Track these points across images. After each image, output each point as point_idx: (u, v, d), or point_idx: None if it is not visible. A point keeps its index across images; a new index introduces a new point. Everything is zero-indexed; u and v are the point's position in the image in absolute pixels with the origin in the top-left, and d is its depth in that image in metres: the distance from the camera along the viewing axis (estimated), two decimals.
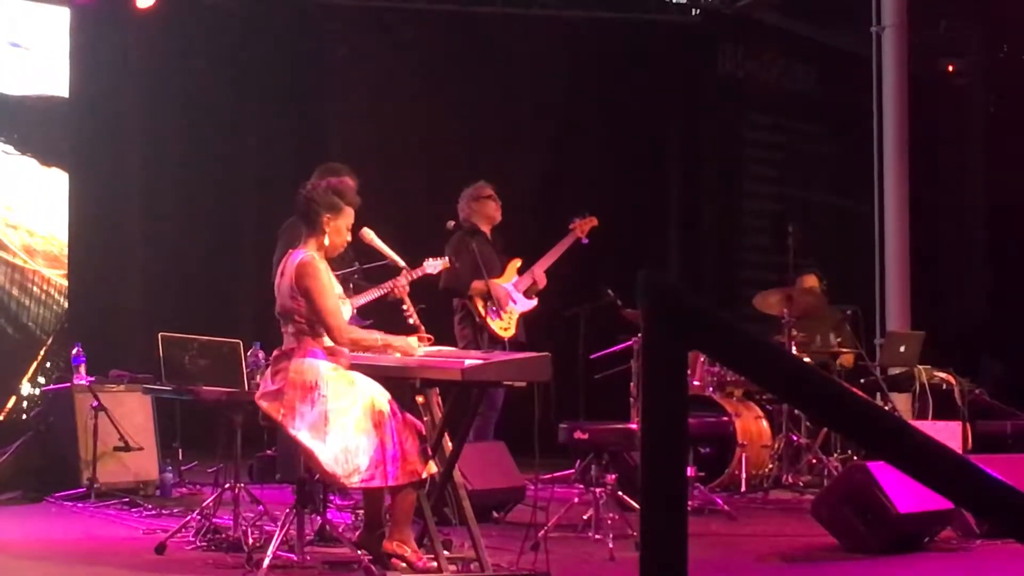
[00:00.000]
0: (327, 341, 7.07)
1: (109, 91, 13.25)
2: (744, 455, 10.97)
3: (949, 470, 2.42)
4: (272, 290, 7.46)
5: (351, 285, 8.55)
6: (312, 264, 7.10)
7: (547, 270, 10.84)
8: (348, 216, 7.30)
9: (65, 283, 12.27)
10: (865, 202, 14.68)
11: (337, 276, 7.48)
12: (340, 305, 7.19)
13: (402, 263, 8.32)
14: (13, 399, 11.49)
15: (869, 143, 14.43)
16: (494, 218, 10.77)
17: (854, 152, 15.61)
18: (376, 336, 7.35)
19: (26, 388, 11.38)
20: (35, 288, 11.80)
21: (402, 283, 8.85)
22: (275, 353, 7.24)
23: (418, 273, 9.24)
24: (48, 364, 10.88)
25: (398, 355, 7.30)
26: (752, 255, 16.64)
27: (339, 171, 8.97)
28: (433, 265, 9.53)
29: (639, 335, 2.31)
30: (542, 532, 7.57)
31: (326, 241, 7.22)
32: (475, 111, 14.89)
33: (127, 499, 9.62)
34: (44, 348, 11.78)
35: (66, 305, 12.21)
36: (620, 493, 8.88)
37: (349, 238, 7.43)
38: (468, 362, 7.11)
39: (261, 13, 14.30)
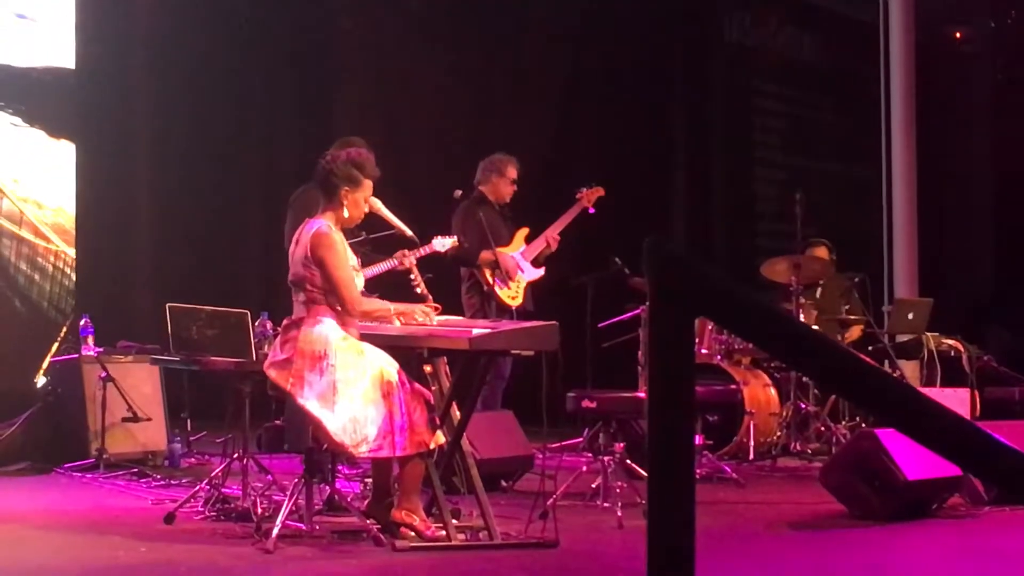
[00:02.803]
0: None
1: (115, 62, 13.22)
2: (752, 423, 10.97)
3: (958, 436, 2.42)
4: (280, 259, 7.46)
5: (359, 257, 8.56)
6: (328, 235, 7.12)
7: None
8: (367, 189, 7.33)
9: (73, 255, 12.24)
10: (872, 169, 14.67)
11: (350, 246, 7.49)
12: (354, 276, 7.21)
13: (409, 232, 8.32)
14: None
15: (876, 110, 14.40)
16: (503, 199, 10.74)
17: (861, 119, 15.59)
18: (388, 306, 7.37)
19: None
20: (42, 261, 11.78)
21: (410, 259, 8.85)
22: (284, 322, 7.26)
23: (426, 250, 9.25)
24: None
25: (416, 319, 7.32)
26: (760, 223, 16.64)
27: (356, 145, 9.00)
28: (442, 243, 9.53)
29: (646, 304, 2.31)
30: (551, 501, 7.56)
31: (345, 213, 7.25)
32: (481, 81, 14.85)
33: (136, 469, 9.64)
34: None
35: (75, 278, 12.19)
36: (628, 461, 8.88)
37: (366, 210, 7.47)
38: (475, 331, 7.12)
39: None
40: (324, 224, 7.17)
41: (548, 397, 7.25)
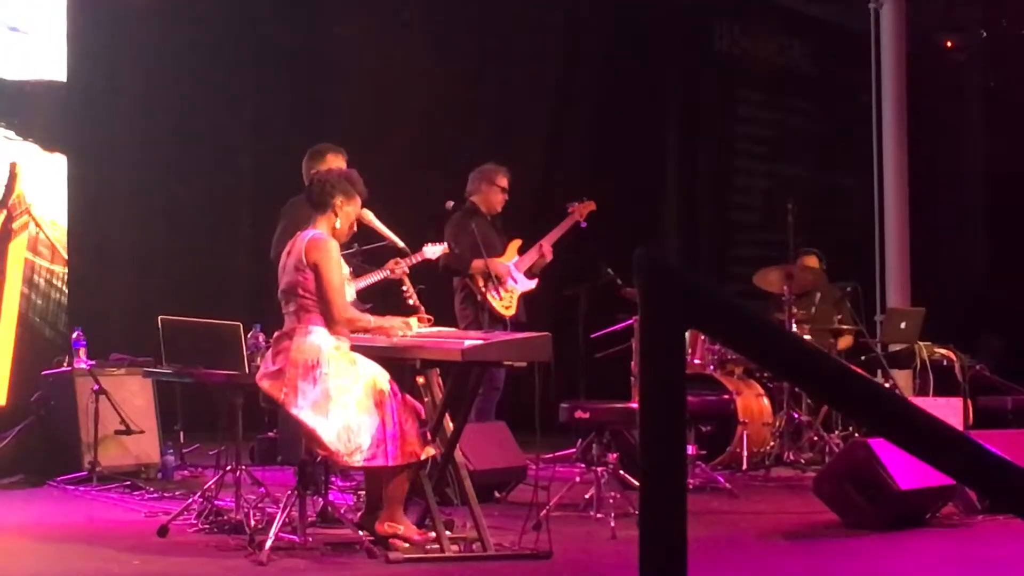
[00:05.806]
0: None
1: (107, 74, 13.20)
2: (745, 433, 10.97)
3: (949, 447, 2.42)
4: (269, 272, 7.47)
5: (351, 269, 8.57)
6: (325, 240, 7.23)
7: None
8: (357, 205, 7.45)
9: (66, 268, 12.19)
10: (861, 179, 14.67)
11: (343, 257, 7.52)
12: (345, 284, 7.26)
13: (401, 244, 8.34)
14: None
15: (866, 119, 14.41)
16: (495, 208, 10.73)
17: (850, 128, 15.60)
18: (369, 318, 7.42)
19: None
20: (34, 276, 11.72)
21: (401, 267, 8.86)
22: (276, 334, 7.29)
23: (417, 258, 9.25)
24: None
25: (397, 335, 7.36)
26: (748, 233, 16.64)
27: (327, 151, 9.08)
28: (432, 251, 9.55)
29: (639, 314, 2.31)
30: (544, 512, 7.56)
31: (338, 224, 7.32)
32: (472, 91, 14.84)
33: (129, 482, 9.61)
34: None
35: (66, 291, 12.15)
36: (621, 472, 8.88)
37: (355, 228, 7.54)
38: (468, 342, 7.13)
39: None
40: (321, 232, 7.27)
41: (541, 408, 7.25)
